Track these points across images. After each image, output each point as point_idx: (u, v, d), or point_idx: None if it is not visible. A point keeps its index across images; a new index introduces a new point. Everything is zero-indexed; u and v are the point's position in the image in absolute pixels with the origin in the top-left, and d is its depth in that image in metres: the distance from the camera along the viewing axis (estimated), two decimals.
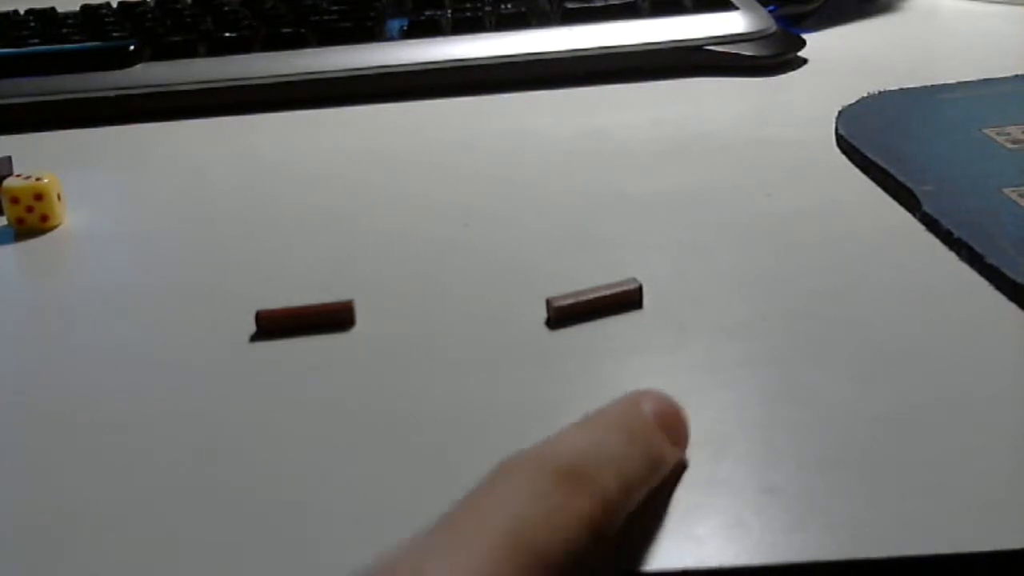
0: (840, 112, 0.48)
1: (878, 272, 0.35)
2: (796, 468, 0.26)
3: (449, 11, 0.60)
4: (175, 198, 0.46)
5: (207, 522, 0.26)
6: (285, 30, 0.57)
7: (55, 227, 0.43)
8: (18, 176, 0.43)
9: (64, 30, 0.60)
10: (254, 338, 0.34)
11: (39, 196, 0.43)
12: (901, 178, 0.40)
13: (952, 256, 0.36)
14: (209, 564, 0.24)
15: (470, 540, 0.17)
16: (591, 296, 0.34)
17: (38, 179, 0.43)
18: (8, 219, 0.43)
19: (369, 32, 0.58)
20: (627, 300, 0.34)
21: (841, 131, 0.46)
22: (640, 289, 0.34)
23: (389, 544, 0.20)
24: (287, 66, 0.56)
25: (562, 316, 0.33)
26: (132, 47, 0.57)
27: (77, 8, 0.65)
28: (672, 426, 0.25)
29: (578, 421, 0.23)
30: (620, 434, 0.23)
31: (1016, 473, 0.25)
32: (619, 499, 0.21)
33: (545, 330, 0.33)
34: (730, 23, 0.57)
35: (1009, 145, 0.43)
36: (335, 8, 0.61)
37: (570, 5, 0.58)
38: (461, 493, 0.21)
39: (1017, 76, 0.51)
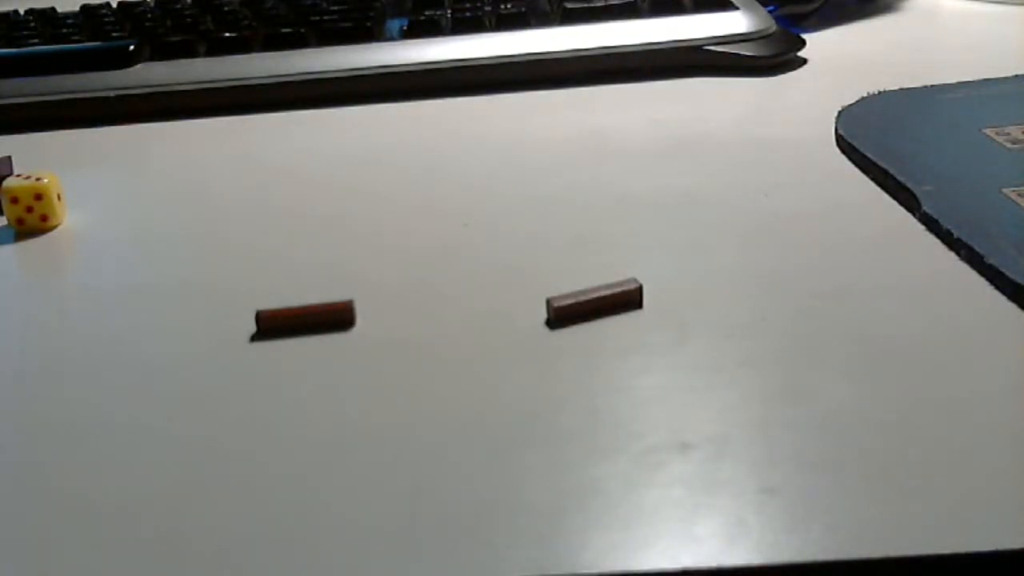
0: (840, 112, 0.48)
1: (878, 272, 0.35)
2: (796, 468, 0.26)
3: (449, 11, 0.60)
4: (175, 198, 0.46)
5: (206, 522, 0.26)
6: (285, 30, 0.57)
7: (55, 227, 0.43)
8: (18, 176, 0.43)
9: (64, 30, 0.60)
10: (254, 338, 0.34)
11: (39, 196, 0.43)
12: (901, 178, 0.40)
13: (952, 256, 0.36)
14: (208, 564, 0.24)
15: None
16: (591, 296, 0.34)
17: (38, 179, 0.43)
18: (8, 219, 0.43)
19: (369, 32, 0.58)
20: (627, 300, 0.34)
21: (841, 131, 0.46)
22: (640, 289, 0.34)
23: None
24: (287, 66, 0.56)
25: (562, 316, 0.33)
26: (132, 47, 0.57)
27: (77, 8, 0.65)
28: None
29: None
30: None
31: (1016, 473, 0.25)
32: None
33: (545, 330, 0.33)
34: (730, 23, 0.57)
35: (1009, 145, 0.43)
36: (335, 8, 0.61)
37: (570, 5, 0.58)
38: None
39: (1017, 76, 0.51)
